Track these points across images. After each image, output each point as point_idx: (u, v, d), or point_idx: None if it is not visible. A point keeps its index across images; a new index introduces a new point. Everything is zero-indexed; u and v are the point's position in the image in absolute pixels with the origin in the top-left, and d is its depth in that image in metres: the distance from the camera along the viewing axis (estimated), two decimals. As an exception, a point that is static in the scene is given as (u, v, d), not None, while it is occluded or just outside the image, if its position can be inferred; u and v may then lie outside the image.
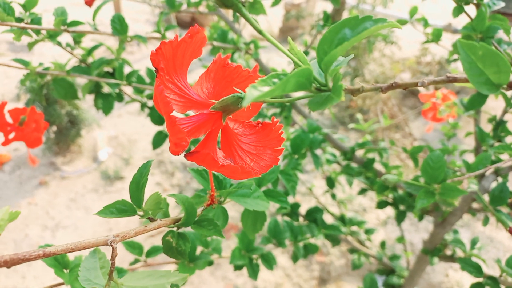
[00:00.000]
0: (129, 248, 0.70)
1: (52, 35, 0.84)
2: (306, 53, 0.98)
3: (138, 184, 0.38)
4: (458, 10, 0.85)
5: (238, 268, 0.87)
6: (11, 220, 0.30)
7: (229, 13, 1.13)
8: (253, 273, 0.86)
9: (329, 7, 3.01)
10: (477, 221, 2.09)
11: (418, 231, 1.94)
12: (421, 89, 2.91)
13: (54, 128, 2.14)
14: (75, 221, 1.95)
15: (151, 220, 0.38)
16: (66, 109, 2.06)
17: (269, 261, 0.90)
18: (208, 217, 0.42)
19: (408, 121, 2.72)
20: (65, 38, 0.91)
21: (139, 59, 3.38)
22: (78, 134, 2.22)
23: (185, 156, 0.34)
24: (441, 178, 0.62)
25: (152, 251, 0.72)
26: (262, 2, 0.91)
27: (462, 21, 4.03)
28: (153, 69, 0.33)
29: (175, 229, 0.42)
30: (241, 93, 0.36)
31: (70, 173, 2.18)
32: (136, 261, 0.73)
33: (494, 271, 0.96)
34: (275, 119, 0.40)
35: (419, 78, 2.99)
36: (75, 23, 0.78)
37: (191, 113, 0.38)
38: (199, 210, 0.46)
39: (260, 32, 0.27)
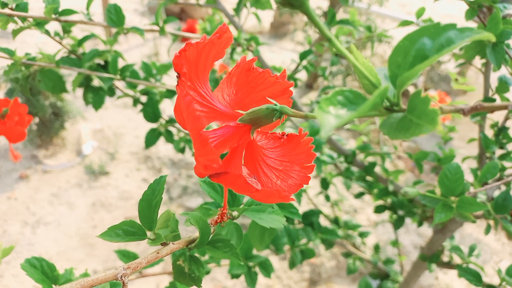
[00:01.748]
0: (123, 258, 0.65)
1: (40, 23, 0.78)
2: (310, 51, 0.94)
3: (150, 203, 0.33)
4: (471, 13, 0.83)
5: (235, 276, 0.83)
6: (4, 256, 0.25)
7: (228, 7, 1.08)
8: (251, 281, 0.82)
9: (323, 3, 2.97)
10: (464, 223, 2.10)
11: (408, 233, 1.93)
12: (412, 90, 2.91)
13: (37, 120, 2.05)
14: (57, 217, 1.87)
15: (164, 245, 0.33)
16: (49, 100, 1.97)
17: (267, 268, 0.87)
18: (223, 238, 0.38)
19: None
20: (53, 26, 0.85)
21: (126, 50, 3.28)
22: (62, 126, 2.13)
23: (209, 177, 0.29)
24: (459, 190, 0.59)
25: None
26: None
27: (451, 22, 4.06)
28: (175, 74, 0.28)
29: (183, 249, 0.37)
30: (275, 104, 0.31)
31: (53, 167, 2.10)
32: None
33: (485, 276, 0.95)
34: (302, 131, 0.36)
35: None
36: (68, 11, 0.72)
37: (213, 124, 0.34)
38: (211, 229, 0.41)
39: (325, 36, 0.22)
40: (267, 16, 3.88)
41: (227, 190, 0.39)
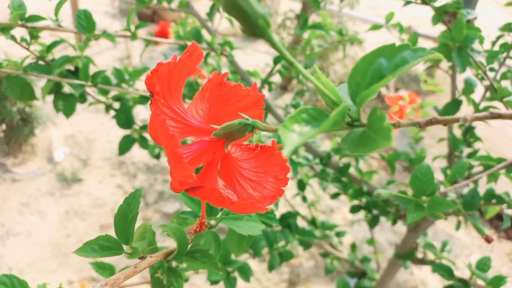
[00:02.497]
0: (98, 270, 0.64)
1: (4, 29, 0.75)
2: (280, 58, 0.95)
3: (125, 217, 0.33)
4: (437, 19, 0.85)
5: (214, 283, 0.82)
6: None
7: (201, 11, 1.07)
8: (231, 287, 0.82)
9: (295, 6, 3.00)
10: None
11: (383, 230, 1.98)
12: (383, 90, 2.98)
13: (3, 126, 1.98)
14: (28, 227, 1.81)
15: (141, 258, 0.33)
16: (17, 106, 1.91)
17: (246, 273, 0.87)
18: (201, 248, 0.38)
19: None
20: (19, 31, 0.82)
21: (97, 53, 3.21)
22: (32, 133, 2.06)
23: (186, 191, 0.29)
24: (430, 190, 0.61)
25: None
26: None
27: (419, 24, 4.18)
28: (148, 93, 0.28)
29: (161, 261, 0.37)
30: (247, 119, 0.32)
31: (22, 175, 2.03)
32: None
33: (457, 270, 0.98)
34: (276, 142, 0.36)
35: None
36: (35, 18, 0.70)
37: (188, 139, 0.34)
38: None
39: (287, 60, 0.23)
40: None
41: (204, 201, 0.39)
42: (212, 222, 0.43)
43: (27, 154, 2.13)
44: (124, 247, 0.34)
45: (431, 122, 0.25)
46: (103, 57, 3.16)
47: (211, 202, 0.29)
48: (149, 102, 0.29)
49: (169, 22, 2.53)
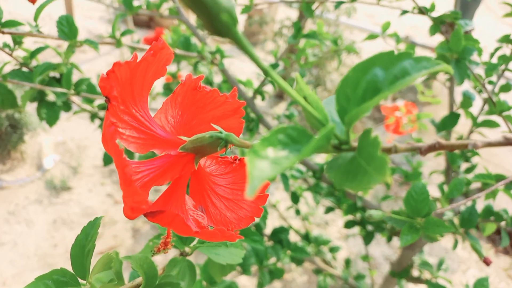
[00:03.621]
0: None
1: (-16, 34, 0.72)
2: (276, 65, 0.92)
3: (82, 249, 0.29)
4: (435, 29, 0.83)
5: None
6: None
7: (191, 17, 1.04)
8: (216, 307, 0.78)
9: (292, 14, 2.98)
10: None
11: (379, 244, 1.94)
12: (382, 101, 2.96)
13: (-8, 132, 1.93)
14: (14, 237, 1.76)
15: (99, 295, 0.29)
16: (6, 112, 1.87)
17: (234, 292, 0.83)
18: (172, 280, 0.34)
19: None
20: (3, 37, 0.78)
21: (91, 59, 3.18)
22: (21, 139, 2.02)
23: (145, 215, 0.25)
24: (425, 211, 0.58)
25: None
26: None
27: (417, 33, 4.17)
28: (103, 98, 0.24)
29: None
30: (220, 132, 0.28)
31: (10, 182, 1.98)
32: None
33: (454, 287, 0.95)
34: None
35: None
36: (12, 23, 0.66)
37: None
38: (159, 266, 0.37)
39: (262, 68, 0.19)
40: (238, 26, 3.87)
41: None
42: (187, 249, 0.39)
43: (16, 161, 2.08)
44: (83, 283, 0.30)
45: (434, 148, 0.22)
46: (98, 63, 3.12)
47: (174, 229, 0.25)
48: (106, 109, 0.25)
49: (165, 29, 2.50)
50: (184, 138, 0.28)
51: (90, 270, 0.30)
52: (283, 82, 0.19)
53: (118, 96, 0.25)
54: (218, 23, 0.18)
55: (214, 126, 0.27)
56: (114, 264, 0.33)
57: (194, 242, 0.41)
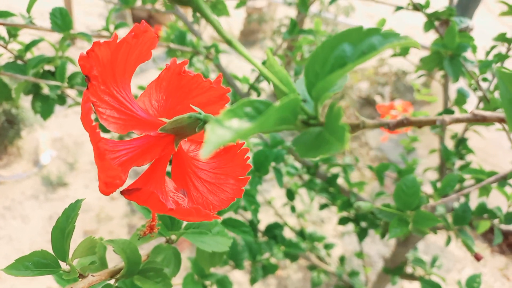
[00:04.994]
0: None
1: (-21, 26, 0.72)
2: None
3: (63, 231, 0.29)
4: (429, 25, 0.83)
5: (191, 297, 0.78)
6: None
7: (188, 13, 1.04)
8: (208, 301, 0.78)
9: (291, 12, 2.98)
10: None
11: (374, 242, 1.94)
12: (378, 99, 2.96)
13: (-11, 127, 1.93)
14: (9, 232, 1.76)
15: (82, 277, 0.29)
16: (3, 107, 1.87)
17: (226, 286, 0.83)
18: (156, 266, 0.34)
19: (365, 130, 2.74)
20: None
21: (90, 56, 3.17)
22: (18, 134, 2.02)
23: (121, 193, 0.25)
24: (415, 204, 0.58)
25: None
26: (225, 3, 0.84)
27: (415, 33, 4.17)
28: (84, 77, 0.24)
29: (112, 281, 0.33)
30: (199, 113, 0.28)
31: (7, 177, 1.98)
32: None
33: (448, 286, 0.95)
34: (239, 141, 0.33)
35: (376, 88, 3.04)
36: (5, 13, 0.66)
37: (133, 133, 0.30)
38: (144, 252, 0.37)
39: (224, 37, 0.19)
40: (237, 24, 3.87)
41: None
42: (173, 237, 0.39)
43: (12, 156, 2.08)
44: (63, 265, 0.30)
45: (402, 124, 0.22)
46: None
47: (150, 207, 0.26)
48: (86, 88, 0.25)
49: (163, 26, 2.50)
50: (164, 120, 0.28)
51: (71, 253, 0.30)
52: (249, 55, 0.19)
53: (99, 76, 0.25)
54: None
55: (194, 107, 0.27)
56: (98, 249, 0.33)
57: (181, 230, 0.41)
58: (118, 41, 0.25)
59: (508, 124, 0.21)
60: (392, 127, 0.21)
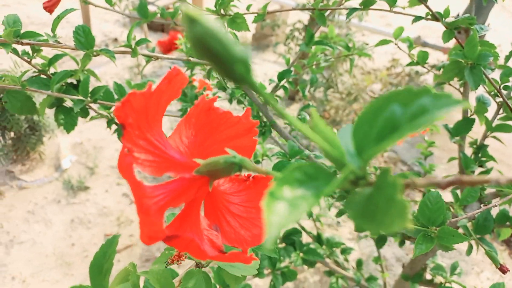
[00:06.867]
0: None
1: (4, 44, 0.74)
2: (289, 71, 0.92)
3: (100, 269, 0.30)
4: (449, 35, 0.82)
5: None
6: None
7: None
8: (230, 311, 0.79)
9: (303, 17, 2.97)
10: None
11: (390, 245, 1.93)
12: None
13: (12, 134, 1.98)
14: (33, 236, 1.80)
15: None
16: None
17: (247, 295, 0.84)
18: (188, 293, 0.35)
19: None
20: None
21: (107, 61, 3.22)
22: (40, 140, 2.07)
23: (163, 241, 0.27)
24: (440, 220, 0.58)
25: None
26: (244, 17, 0.85)
27: (429, 33, 4.11)
28: (119, 125, 0.25)
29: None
30: (234, 156, 0.29)
31: (29, 182, 2.03)
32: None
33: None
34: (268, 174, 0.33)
35: (389, 89, 3.01)
36: (30, 34, 0.68)
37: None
38: (177, 279, 0.39)
39: (283, 115, 0.20)
40: (250, 28, 3.88)
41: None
42: (204, 262, 0.40)
43: (34, 162, 2.13)
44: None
45: (453, 183, 0.21)
46: (112, 66, 3.17)
47: (190, 254, 0.27)
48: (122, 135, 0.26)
49: (180, 32, 2.52)
50: (198, 160, 0.29)
51: None
52: (299, 123, 0.20)
53: (133, 123, 0.26)
54: (232, 74, 0.19)
55: (228, 150, 0.28)
56: (131, 277, 0.35)
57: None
58: (152, 90, 0.26)
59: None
60: (443, 186, 0.21)
